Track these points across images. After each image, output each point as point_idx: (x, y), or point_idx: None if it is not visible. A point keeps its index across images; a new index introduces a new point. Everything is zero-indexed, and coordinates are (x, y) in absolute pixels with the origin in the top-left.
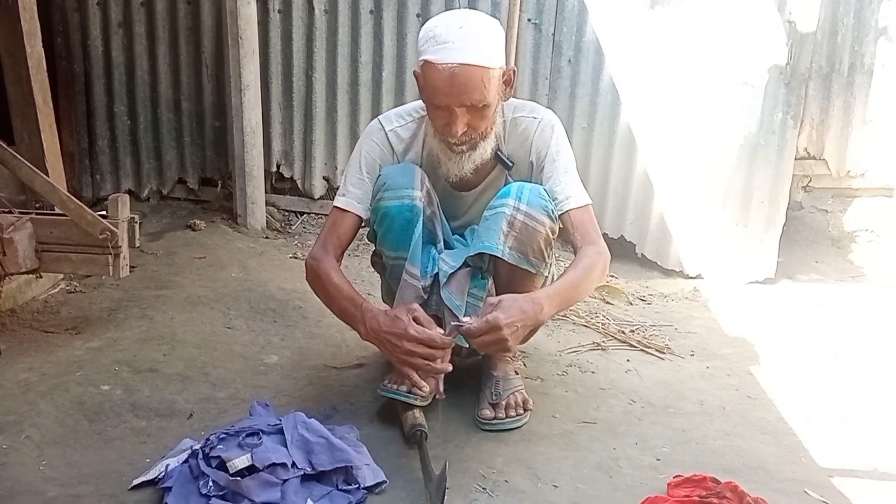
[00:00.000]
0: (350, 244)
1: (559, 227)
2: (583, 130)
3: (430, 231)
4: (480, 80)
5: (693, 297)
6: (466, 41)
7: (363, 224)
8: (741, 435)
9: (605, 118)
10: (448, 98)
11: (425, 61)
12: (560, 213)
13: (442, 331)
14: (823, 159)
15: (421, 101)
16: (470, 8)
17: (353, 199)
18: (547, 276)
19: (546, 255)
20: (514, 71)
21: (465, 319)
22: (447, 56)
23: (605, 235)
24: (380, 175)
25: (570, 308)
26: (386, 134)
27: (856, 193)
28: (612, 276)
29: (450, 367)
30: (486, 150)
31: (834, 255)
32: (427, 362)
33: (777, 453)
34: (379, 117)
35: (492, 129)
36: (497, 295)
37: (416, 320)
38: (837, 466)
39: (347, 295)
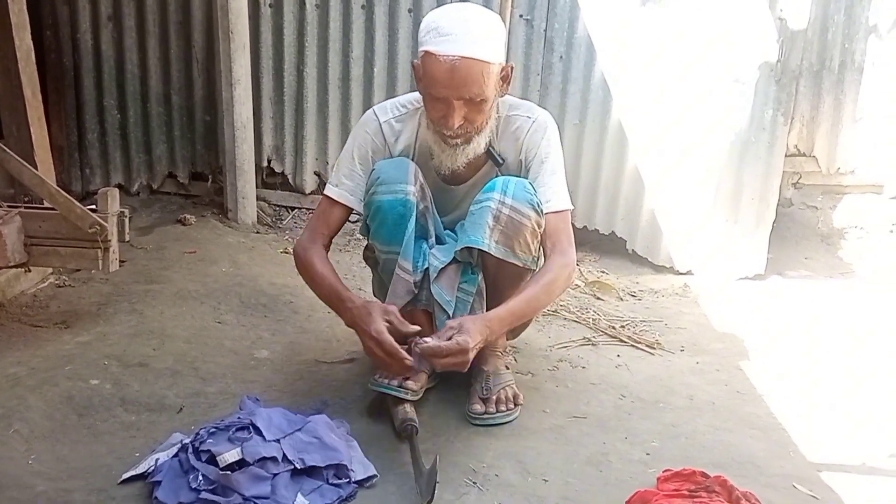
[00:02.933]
0: (338, 233)
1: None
2: (574, 127)
3: (423, 226)
4: (480, 74)
5: (683, 293)
6: (469, 35)
7: (353, 216)
8: (730, 430)
9: (597, 114)
10: (447, 90)
11: (426, 52)
12: (548, 211)
13: (418, 337)
14: (813, 156)
15: (417, 93)
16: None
17: (345, 190)
18: (535, 270)
19: (533, 249)
20: (511, 67)
21: (430, 340)
22: (449, 48)
23: (595, 231)
24: (373, 169)
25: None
26: (380, 125)
27: (845, 190)
28: (603, 272)
29: (410, 372)
30: (479, 144)
31: (823, 251)
32: (386, 366)
33: (766, 448)
34: (374, 107)
35: (487, 123)
36: (488, 289)
37: (389, 322)
38: (826, 461)
39: (331, 284)
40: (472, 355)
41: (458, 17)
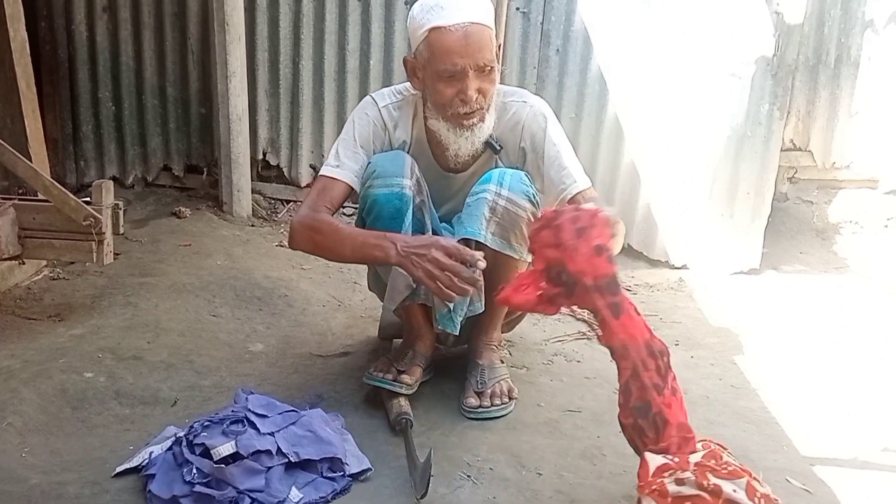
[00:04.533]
0: (338, 211)
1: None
2: (570, 120)
3: (419, 219)
4: (489, 39)
5: (678, 288)
6: (470, 3)
7: (348, 209)
8: (724, 424)
9: (593, 108)
10: (463, 59)
11: (433, 28)
12: (571, 196)
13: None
14: (809, 151)
15: (409, 84)
16: None
17: (347, 170)
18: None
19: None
20: (499, 45)
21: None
22: (457, 17)
23: None
24: (369, 163)
25: None
26: (379, 110)
27: (841, 185)
28: None
29: (480, 280)
30: (491, 123)
31: (818, 246)
32: (452, 276)
33: (760, 442)
34: (372, 94)
35: (493, 98)
36: (485, 280)
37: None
38: (819, 455)
39: (363, 232)
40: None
41: None
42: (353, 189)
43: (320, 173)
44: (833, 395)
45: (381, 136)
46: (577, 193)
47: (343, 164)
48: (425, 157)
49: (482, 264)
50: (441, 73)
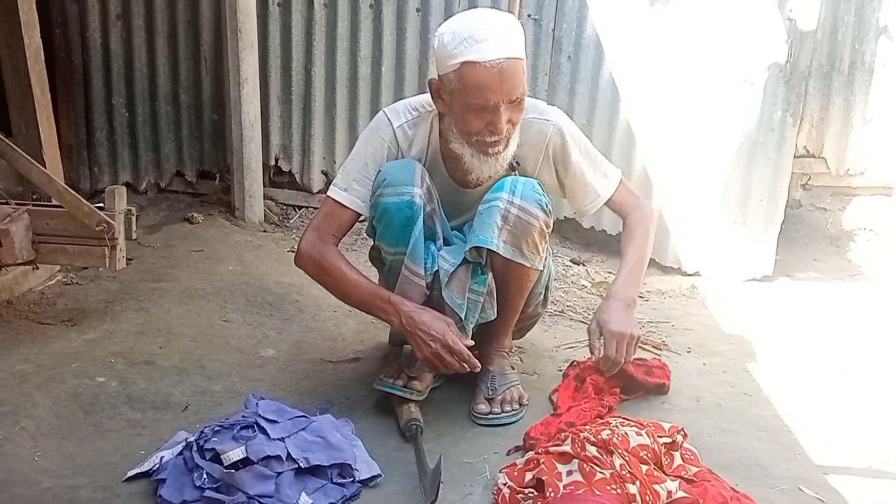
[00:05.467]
0: (345, 236)
1: (553, 221)
2: (582, 127)
3: (430, 227)
4: (522, 70)
5: (691, 294)
6: (505, 35)
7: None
8: (737, 432)
9: (605, 115)
10: (498, 95)
11: (466, 62)
12: (603, 205)
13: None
14: (823, 157)
15: (427, 96)
16: (470, 5)
17: (355, 196)
18: (542, 270)
19: (540, 249)
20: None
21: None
22: (493, 53)
23: (603, 231)
24: (380, 171)
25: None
26: (394, 131)
27: (855, 192)
28: (611, 273)
29: (477, 367)
30: (514, 146)
31: (832, 253)
32: (449, 367)
33: (772, 450)
34: (386, 110)
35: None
36: (496, 288)
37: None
38: (832, 464)
39: (371, 289)
40: (628, 322)
41: (486, 22)
42: (360, 215)
43: (329, 194)
44: (847, 403)
45: (395, 158)
46: (610, 198)
47: (351, 187)
48: (440, 173)
49: (477, 370)
50: (472, 106)
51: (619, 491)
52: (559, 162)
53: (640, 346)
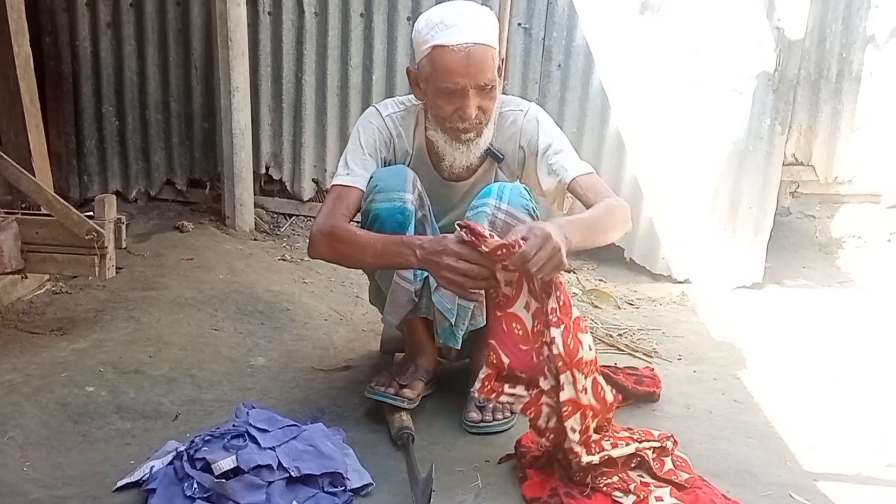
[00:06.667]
0: (355, 217)
1: None
2: (572, 135)
3: (421, 233)
4: (491, 59)
5: (681, 302)
6: (475, 23)
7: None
8: (727, 439)
9: (595, 123)
10: (464, 78)
11: (436, 46)
12: (566, 183)
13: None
14: (811, 165)
15: (411, 95)
16: None
17: (358, 176)
18: None
19: None
20: (503, 60)
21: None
22: (461, 37)
23: None
24: (372, 177)
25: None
26: (383, 118)
27: (843, 199)
28: (601, 281)
29: (496, 284)
30: (488, 136)
31: (821, 260)
32: (467, 278)
33: (763, 457)
34: (375, 104)
35: (492, 113)
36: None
37: (461, 241)
38: (822, 470)
39: (383, 239)
40: (560, 245)
41: (458, 10)
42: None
43: (333, 183)
44: (837, 409)
45: (387, 143)
46: (573, 179)
47: (353, 171)
48: (426, 166)
49: (493, 241)
50: (442, 90)
51: None
52: (532, 143)
53: (631, 354)
